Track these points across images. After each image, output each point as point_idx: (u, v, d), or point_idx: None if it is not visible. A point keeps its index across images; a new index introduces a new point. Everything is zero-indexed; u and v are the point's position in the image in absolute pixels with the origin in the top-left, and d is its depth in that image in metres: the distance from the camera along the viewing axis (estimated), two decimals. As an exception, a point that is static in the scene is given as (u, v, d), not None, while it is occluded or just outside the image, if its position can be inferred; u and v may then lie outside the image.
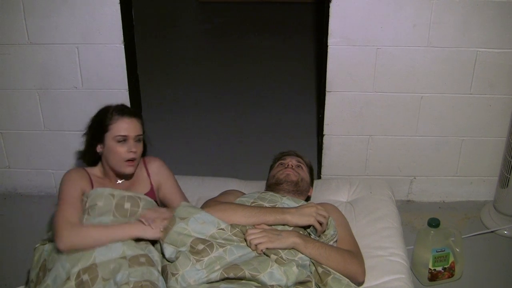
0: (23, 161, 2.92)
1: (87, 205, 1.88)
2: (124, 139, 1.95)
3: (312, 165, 2.32)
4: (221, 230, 1.78)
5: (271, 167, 2.29)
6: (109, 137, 1.96)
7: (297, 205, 1.96)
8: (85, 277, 1.68)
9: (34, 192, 3.00)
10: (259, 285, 1.65)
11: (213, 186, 2.46)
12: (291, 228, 1.85)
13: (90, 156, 2.05)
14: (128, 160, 1.96)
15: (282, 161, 2.23)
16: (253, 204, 1.95)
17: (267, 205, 1.95)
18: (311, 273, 1.76)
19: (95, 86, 2.70)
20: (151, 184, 2.10)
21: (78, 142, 2.83)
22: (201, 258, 1.68)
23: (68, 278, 1.68)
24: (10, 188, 3.00)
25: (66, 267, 1.72)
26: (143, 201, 1.93)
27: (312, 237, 1.88)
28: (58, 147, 2.86)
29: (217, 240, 1.75)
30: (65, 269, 1.71)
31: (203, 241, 1.73)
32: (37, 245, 1.92)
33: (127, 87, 2.70)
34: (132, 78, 2.76)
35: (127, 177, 2.06)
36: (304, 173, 2.20)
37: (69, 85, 2.70)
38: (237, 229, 1.80)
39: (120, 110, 1.99)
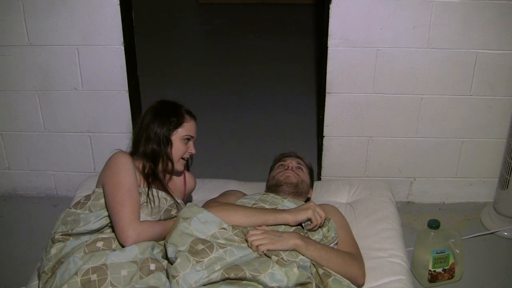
0: (23, 163, 2.91)
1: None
2: (188, 139, 2.05)
3: (312, 166, 2.31)
4: (223, 230, 1.78)
5: (271, 168, 2.28)
6: (178, 134, 2.02)
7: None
8: (94, 277, 1.66)
9: (34, 194, 3.00)
10: (260, 286, 1.65)
11: (213, 188, 2.45)
12: (292, 229, 1.85)
13: (142, 146, 2.02)
14: (183, 159, 2.06)
15: (282, 163, 2.23)
16: (254, 206, 1.95)
17: (268, 207, 1.94)
18: (312, 274, 1.76)
19: (95, 88, 2.70)
20: (184, 194, 2.18)
21: (77, 144, 2.85)
22: (201, 259, 1.68)
23: (76, 274, 1.67)
24: (10, 190, 3.00)
25: (78, 263, 1.71)
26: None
27: (310, 237, 1.88)
28: (58, 149, 2.86)
29: (218, 241, 1.75)
30: (76, 265, 1.70)
31: (203, 241, 1.73)
32: (56, 236, 1.84)
33: (127, 88, 2.70)
34: (132, 80, 2.75)
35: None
36: (304, 175, 2.19)
37: (69, 87, 2.70)
38: (238, 229, 1.80)
39: (189, 112, 2.09)
